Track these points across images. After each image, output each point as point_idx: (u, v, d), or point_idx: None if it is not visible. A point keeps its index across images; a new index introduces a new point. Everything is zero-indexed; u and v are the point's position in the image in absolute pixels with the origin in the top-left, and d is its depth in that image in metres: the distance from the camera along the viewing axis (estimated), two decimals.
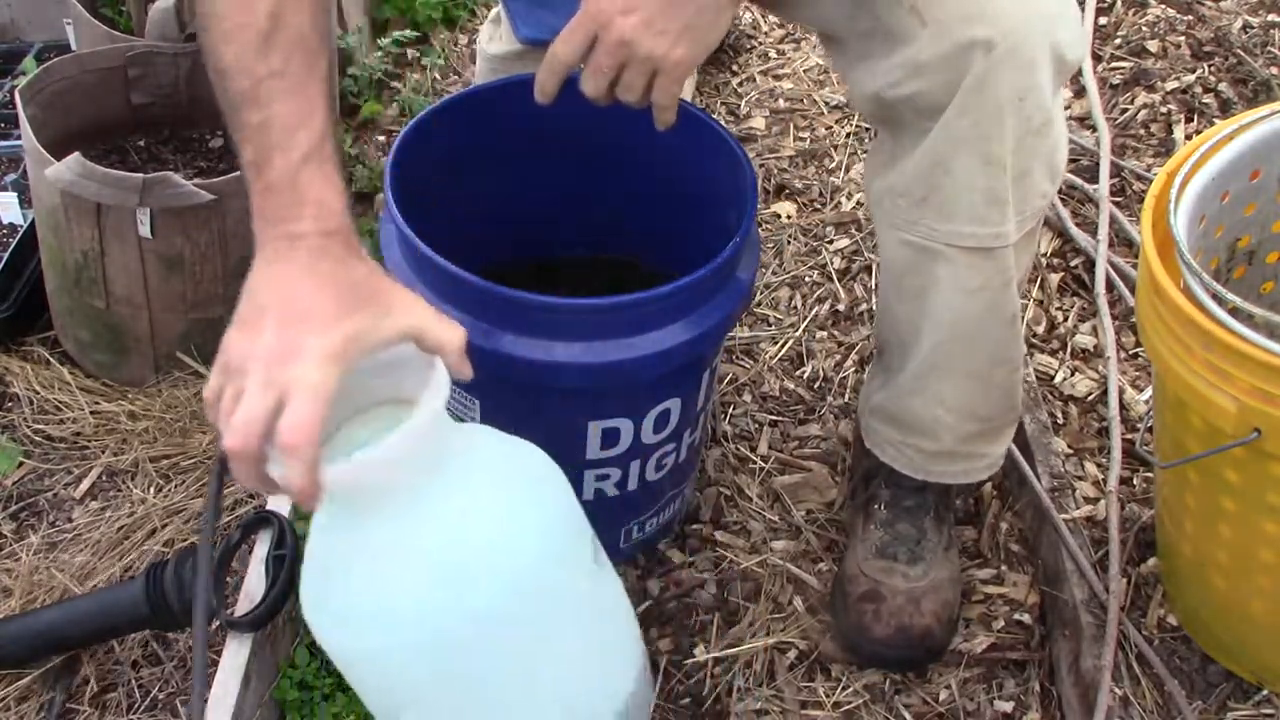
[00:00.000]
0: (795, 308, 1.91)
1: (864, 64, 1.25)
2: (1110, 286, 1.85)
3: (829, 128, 2.25)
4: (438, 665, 1.06)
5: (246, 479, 0.96)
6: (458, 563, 1.02)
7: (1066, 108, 2.22)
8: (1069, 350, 1.79)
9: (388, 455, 0.97)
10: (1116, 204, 1.99)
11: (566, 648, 1.13)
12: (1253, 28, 2.32)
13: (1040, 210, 1.29)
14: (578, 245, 1.60)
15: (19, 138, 1.75)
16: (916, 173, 1.25)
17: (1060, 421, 1.68)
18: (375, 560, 1.02)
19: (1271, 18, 2.34)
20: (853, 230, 2.03)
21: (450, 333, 1.03)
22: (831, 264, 1.97)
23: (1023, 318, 1.36)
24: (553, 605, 1.09)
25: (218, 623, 1.34)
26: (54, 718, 1.35)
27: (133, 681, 1.40)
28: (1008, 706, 1.42)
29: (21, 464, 1.65)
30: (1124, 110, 2.20)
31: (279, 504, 1.43)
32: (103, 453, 1.66)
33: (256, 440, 0.93)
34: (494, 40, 1.67)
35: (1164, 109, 2.18)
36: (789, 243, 2.01)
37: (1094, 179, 2.04)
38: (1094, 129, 2.14)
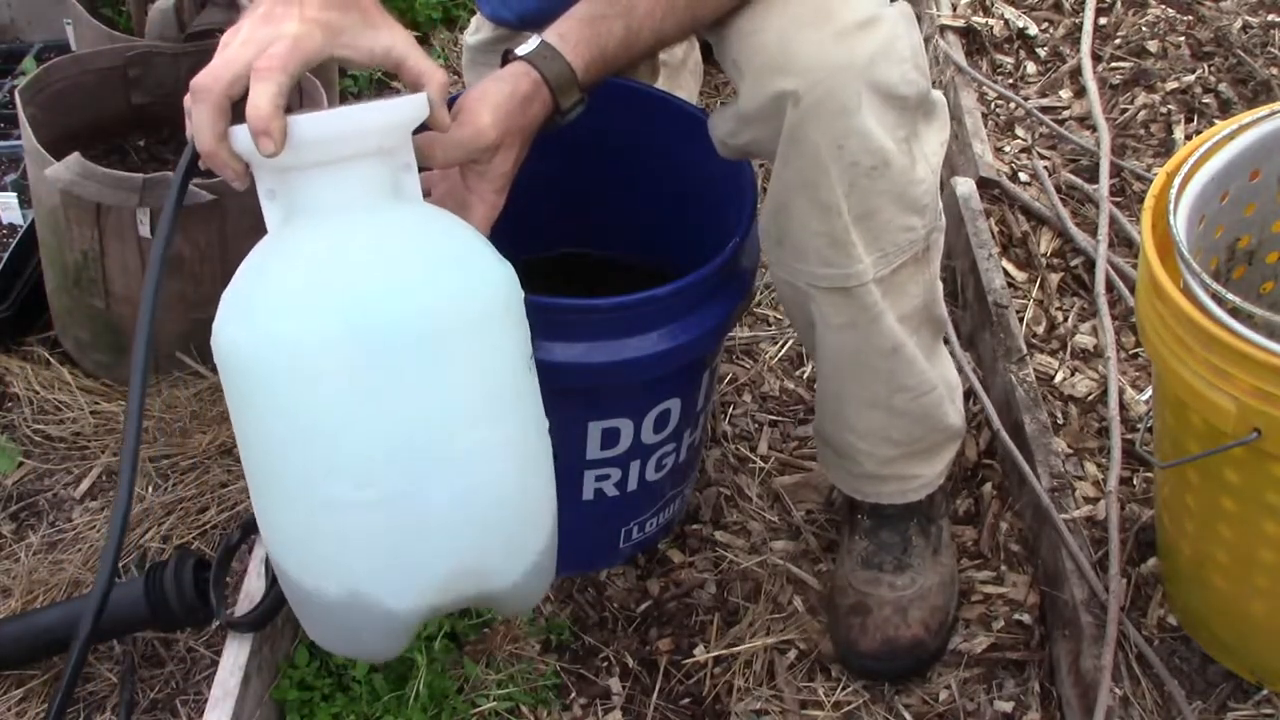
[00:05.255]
0: None
1: (714, 114, 1.28)
2: (1110, 286, 1.85)
3: None
4: (339, 376, 0.95)
5: (203, 127, 0.97)
6: (371, 278, 0.97)
7: (1066, 108, 2.22)
8: (1069, 350, 1.79)
9: (358, 119, 0.98)
10: (1116, 204, 1.99)
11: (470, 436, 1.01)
12: (1253, 28, 2.32)
13: (912, 242, 1.25)
14: (577, 245, 1.60)
15: (19, 138, 1.75)
16: (769, 215, 1.26)
17: (1060, 421, 1.68)
18: (306, 264, 0.98)
19: (1271, 18, 2.34)
20: None
21: (433, 65, 1.05)
22: None
23: (921, 346, 1.33)
24: (454, 386, 0.99)
25: (217, 623, 1.34)
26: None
27: (134, 681, 1.40)
28: (1008, 706, 1.42)
29: (21, 464, 1.65)
30: (1124, 110, 2.20)
31: None
32: (103, 453, 1.66)
33: (225, 79, 0.96)
34: (475, 31, 1.69)
35: (1164, 109, 2.18)
36: None
37: (1094, 179, 2.04)
38: (1094, 129, 2.14)
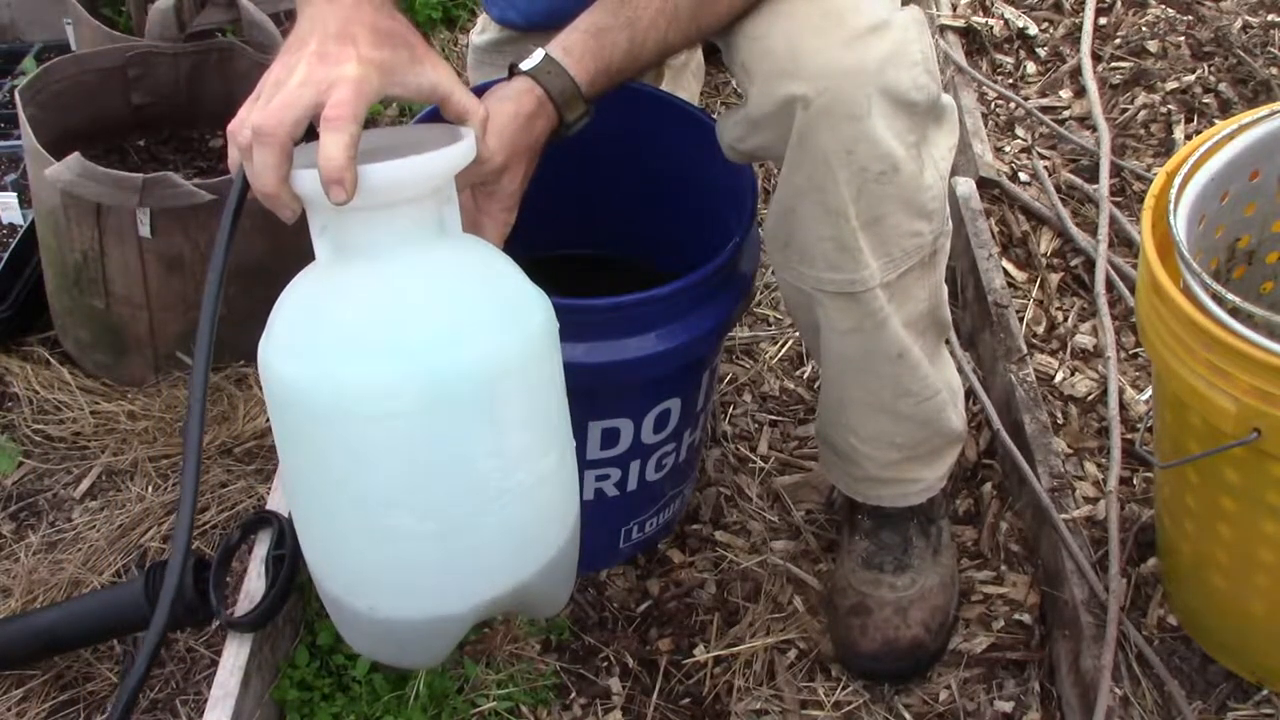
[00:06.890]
0: None
1: (722, 117, 1.27)
2: (1110, 286, 1.85)
3: None
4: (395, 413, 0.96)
5: (267, 170, 0.95)
6: (417, 323, 0.98)
7: (1066, 108, 2.22)
8: (1069, 350, 1.79)
9: (424, 167, 0.97)
10: (1116, 204, 1.99)
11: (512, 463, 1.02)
12: (1253, 28, 2.32)
13: (919, 248, 1.25)
14: (577, 244, 1.60)
15: (19, 138, 1.75)
16: (776, 219, 1.26)
17: (1060, 421, 1.68)
18: (366, 305, 0.98)
19: (1271, 18, 2.34)
20: None
21: (476, 101, 1.06)
22: None
23: (925, 351, 1.34)
24: (503, 416, 1.00)
25: (217, 623, 1.34)
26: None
27: None
28: (1008, 706, 1.42)
29: (21, 464, 1.65)
30: (1124, 110, 2.20)
31: (278, 504, 1.44)
32: (102, 453, 1.66)
33: (289, 121, 0.95)
34: (481, 32, 1.69)
35: (1164, 109, 2.18)
36: None
37: (1094, 179, 2.04)
38: (1094, 129, 2.14)
